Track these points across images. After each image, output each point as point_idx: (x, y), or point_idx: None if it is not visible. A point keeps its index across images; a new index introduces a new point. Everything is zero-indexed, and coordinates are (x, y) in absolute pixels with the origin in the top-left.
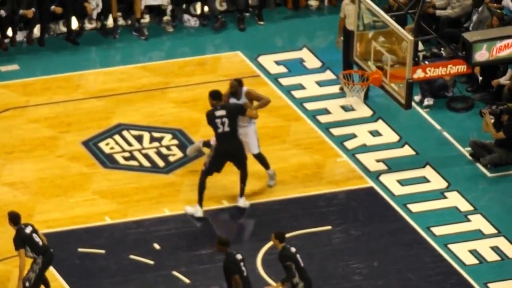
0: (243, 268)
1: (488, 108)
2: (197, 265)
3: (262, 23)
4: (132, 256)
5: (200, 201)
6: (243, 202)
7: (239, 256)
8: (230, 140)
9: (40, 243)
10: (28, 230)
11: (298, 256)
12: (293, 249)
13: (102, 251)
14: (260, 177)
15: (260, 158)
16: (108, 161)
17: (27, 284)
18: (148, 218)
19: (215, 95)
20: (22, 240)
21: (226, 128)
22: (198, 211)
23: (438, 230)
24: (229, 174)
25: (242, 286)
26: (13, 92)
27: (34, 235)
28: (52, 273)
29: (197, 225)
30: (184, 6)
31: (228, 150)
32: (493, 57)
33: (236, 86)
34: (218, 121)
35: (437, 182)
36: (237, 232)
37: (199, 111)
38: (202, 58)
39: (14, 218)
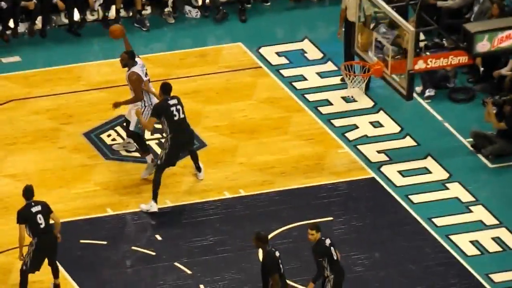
0: (281, 266)
1: (490, 98)
2: (199, 256)
3: (268, 4)
4: (134, 248)
5: (156, 197)
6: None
7: (277, 253)
8: (187, 132)
9: (42, 225)
10: (34, 209)
11: (332, 249)
12: (327, 242)
13: (104, 243)
14: (261, 169)
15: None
16: (109, 152)
17: (23, 267)
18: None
19: (166, 88)
20: (24, 217)
21: (181, 116)
22: (153, 206)
23: (439, 221)
24: (232, 165)
25: (281, 286)
26: (15, 84)
27: (39, 216)
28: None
29: (199, 217)
30: None
31: (184, 143)
32: (494, 48)
33: (127, 58)
34: (173, 109)
35: (438, 173)
36: (238, 224)
37: (200, 102)
38: (204, 49)
39: (25, 192)
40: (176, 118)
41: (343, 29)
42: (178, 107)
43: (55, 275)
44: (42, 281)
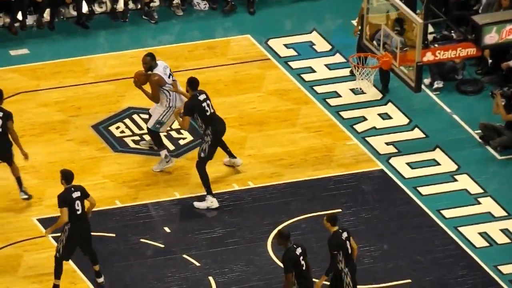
0: (302, 262)
1: (499, 90)
2: (207, 248)
3: None
4: (142, 240)
5: (211, 191)
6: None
7: (299, 251)
8: (220, 119)
9: (78, 211)
10: (75, 194)
11: (348, 243)
12: (344, 235)
13: (113, 235)
14: (270, 161)
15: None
16: (118, 144)
17: (57, 254)
18: (159, 201)
19: (195, 83)
20: (65, 201)
21: (212, 110)
22: (214, 202)
23: (448, 213)
24: (240, 157)
25: (296, 282)
26: (23, 76)
27: (77, 202)
28: None
29: (207, 209)
30: None
31: (222, 130)
32: (502, 39)
33: (149, 61)
34: (204, 105)
35: (447, 164)
36: (246, 215)
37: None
38: (212, 41)
39: (66, 177)
40: (208, 113)
41: (360, 27)
42: (208, 101)
43: (93, 261)
44: (51, 274)
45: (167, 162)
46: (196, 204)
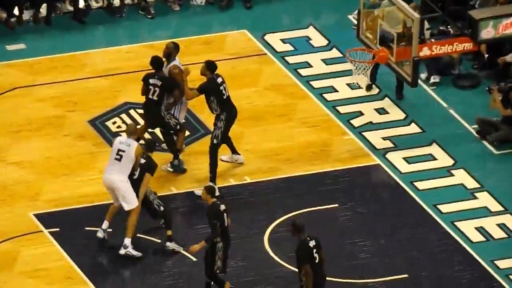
0: (316, 255)
1: (495, 85)
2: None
3: None
4: (139, 235)
5: (215, 179)
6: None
7: (312, 243)
8: (233, 104)
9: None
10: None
11: (225, 215)
12: (222, 207)
13: (109, 230)
14: (267, 156)
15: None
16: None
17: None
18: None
19: (213, 66)
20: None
21: (228, 93)
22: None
23: (444, 208)
24: (239, 151)
25: (313, 275)
26: (20, 72)
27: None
28: (59, 252)
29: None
30: None
31: (235, 113)
32: (499, 34)
33: (172, 48)
34: (221, 88)
35: (443, 159)
36: (243, 210)
37: None
38: (209, 36)
39: (149, 147)
40: (224, 96)
41: None
42: (224, 85)
43: None
44: (48, 269)
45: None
46: (197, 191)
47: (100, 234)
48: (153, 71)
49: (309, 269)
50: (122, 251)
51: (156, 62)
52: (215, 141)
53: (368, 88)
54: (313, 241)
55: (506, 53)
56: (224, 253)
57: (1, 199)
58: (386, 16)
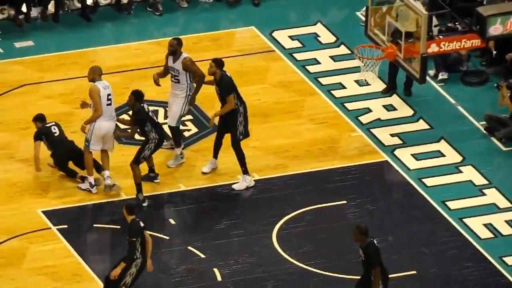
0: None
1: (503, 81)
2: (212, 240)
3: None
4: (147, 232)
5: (247, 170)
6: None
7: (375, 242)
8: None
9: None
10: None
11: (144, 231)
12: (141, 224)
13: (118, 227)
14: (275, 152)
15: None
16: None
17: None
18: (163, 193)
19: (222, 63)
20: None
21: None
22: (251, 181)
23: (453, 204)
24: (245, 149)
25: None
26: (28, 69)
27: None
28: (67, 248)
29: (212, 200)
30: None
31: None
32: (507, 31)
33: (176, 45)
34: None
35: (452, 156)
36: (252, 207)
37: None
38: (217, 33)
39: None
40: (237, 90)
41: None
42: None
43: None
44: (56, 266)
45: (181, 158)
46: (236, 186)
47: (109, 181)
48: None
49: (379, 271)
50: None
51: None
52: (241, 137)
53: (386, 91)
54: (375, 240)
55: None
56: (138, 271)
57: (9, 196)
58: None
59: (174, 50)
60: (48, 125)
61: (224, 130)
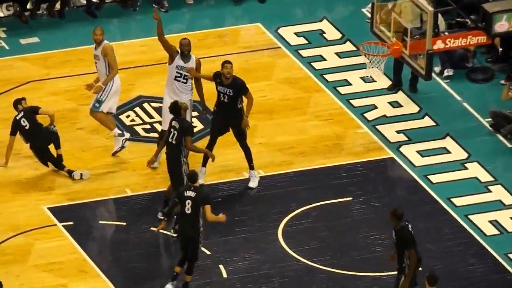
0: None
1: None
2: (218, 236)
3: None
4: (153, 228)
5: (253, 166)
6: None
7: (410, 227)
8: None
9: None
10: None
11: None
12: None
13: (123, 223)
14: (280, 149)
15: None
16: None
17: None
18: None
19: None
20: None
21: None
22: (257, 176)
23: (458, 201)
24: (251, 145)
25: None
26: (34, 65)
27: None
28: (72, 245)
29: (218, 197)
30: None
31: None
32: None
33: (190, 45)
34: None
35: (457, 153)
36: (257, 204)
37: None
38: (222, 30)
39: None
40: None
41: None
42: None
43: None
44: (62, 263)
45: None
46: (253, 184)
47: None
48: None
49: (415, 253)
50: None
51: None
52: (246, 132)
53: (392, 88)
54: (410, 224)
55: None
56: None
57: (15, 192)
58: (402, 11)
59: (190, 50)
60: (18, 116)
61: (223, 131)
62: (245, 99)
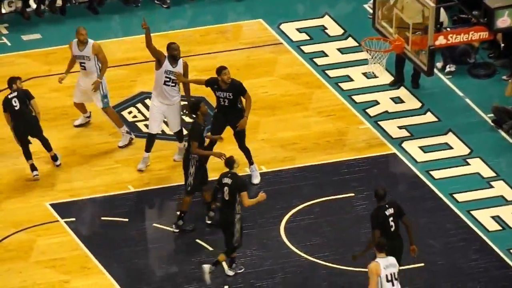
0: (392, 223)
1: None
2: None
3: None
4: (155, 225)
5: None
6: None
7: (389, 211)
8: None
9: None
10: None
11: None
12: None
13: (125, 220)
14: (282, 145)
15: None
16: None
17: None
18: (171, 186)
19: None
20: None
21: None
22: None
23: (460, 197)
24: (253, 141)
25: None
26: (35, 61)
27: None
28: (75, 241)
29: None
30: None
31: None
32: None
33: (179, 49)
34: None
35: (459, 148)
36: None
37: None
38: (224, 26)
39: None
40: None
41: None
42: None
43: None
44: (64, 259)
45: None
46: (256, 180)
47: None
48: None
49: (377, 234)
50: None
51: None
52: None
53: (393, 84)
54: (391, 209)
55: None
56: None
57: (17, 189)
58: (404, 6)
59: (178, 54)
60: (10, 95)
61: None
62: (243, 99)
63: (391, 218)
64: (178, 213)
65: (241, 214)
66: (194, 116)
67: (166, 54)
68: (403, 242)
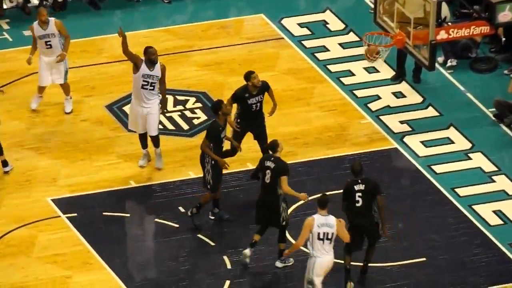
0: (358, 199)
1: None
2: (222, 228)
3: None
4: (157, 220)
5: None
6: None
7: (359, 187)
8: None
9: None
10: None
11: None
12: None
13: (127, 215)
14: (284, 140)
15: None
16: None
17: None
18: (173, 181)
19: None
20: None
21: None
22: None
23: (462, 191)
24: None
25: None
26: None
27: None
28: (76, 237)
29: (222, 188)
30: None
31: None
32: None
33: (157, 53)
34: None
35: (461, 143)
36: None
37: (222, 74)
38: (226, 21)
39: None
40: None
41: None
42: None
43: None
44: (66, 254)
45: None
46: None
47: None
48: None
49: (343, 206)
50: None
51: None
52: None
53: (395, 78)
54: (364, 185)
55: None
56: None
57: (19, 184)
58: (405, 1)
59: (156, 58)
60: None
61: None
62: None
63: (358, 194)
64: (198, 204)
65: (283, 195)
66: (217, 115)
67: (143, 58)
68: (376, 222)
